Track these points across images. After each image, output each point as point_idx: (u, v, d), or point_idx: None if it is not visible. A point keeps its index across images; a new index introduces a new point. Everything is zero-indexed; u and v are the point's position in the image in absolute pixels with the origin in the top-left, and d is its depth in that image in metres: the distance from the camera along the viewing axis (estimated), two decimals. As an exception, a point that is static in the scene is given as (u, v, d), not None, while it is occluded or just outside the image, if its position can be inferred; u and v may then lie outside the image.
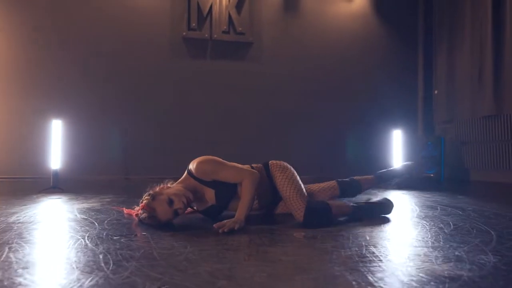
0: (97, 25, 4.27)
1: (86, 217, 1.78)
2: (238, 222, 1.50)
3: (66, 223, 1.64)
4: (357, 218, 1.75)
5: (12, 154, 3.93)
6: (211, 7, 4.51)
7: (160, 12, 4.44)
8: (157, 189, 1.63)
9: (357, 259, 1.10)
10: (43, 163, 3.53)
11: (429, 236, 1.42)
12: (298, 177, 1.79)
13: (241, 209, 1.57)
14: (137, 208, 1.66)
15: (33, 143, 3.87)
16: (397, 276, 0.96)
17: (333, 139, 4.74)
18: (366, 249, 1.21)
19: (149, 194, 1.59)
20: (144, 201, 1.58)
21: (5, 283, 0.88)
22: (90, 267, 1.00)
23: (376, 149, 4.62)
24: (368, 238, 1.38)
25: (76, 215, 1.84)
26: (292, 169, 1.82)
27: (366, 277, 0.94)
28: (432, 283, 0.91)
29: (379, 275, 0.96)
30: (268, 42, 4.71)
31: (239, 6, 4.60)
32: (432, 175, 4.44)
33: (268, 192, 1.80)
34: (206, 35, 4.51)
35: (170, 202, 1.55)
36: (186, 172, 1.72)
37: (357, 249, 1.22)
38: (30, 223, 1.62)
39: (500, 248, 1.23)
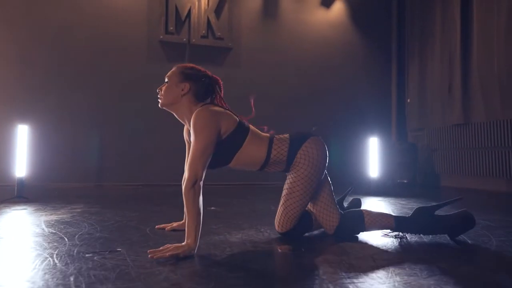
0: (69, 25, 4.09)
1: (54, 231, 1.66)
2: (184, 249, 1.22)
3: (32, 239, 1.52)
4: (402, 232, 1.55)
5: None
6: (189, 11, 4.44)
7: (137, 15, 4.32)
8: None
9: (342, 274, 1.08)
10: (8, 170, 3.31)
11: (410, 246, 1.43)
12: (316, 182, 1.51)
13: (187, 231, 1.27)
14: None
15: (-4, 149, 3.62)
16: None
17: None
18: (343, 263, 1.20)
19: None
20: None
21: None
22: (60, 291, 0.92)
23: (354, 156, 4.69)
24: (348, 250, 1.37)
25: (43, 229, 1.71)
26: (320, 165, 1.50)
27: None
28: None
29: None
30: (247, 48, 4.70)
31: (218, 11, 4.56)
32: (405, 181, 4.57)
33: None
34: (184, 39, 4.43)
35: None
36: None
37: (335, 263, 1.20)
38: (-9, 239, 1.49)
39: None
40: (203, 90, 1.54)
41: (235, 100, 4.66)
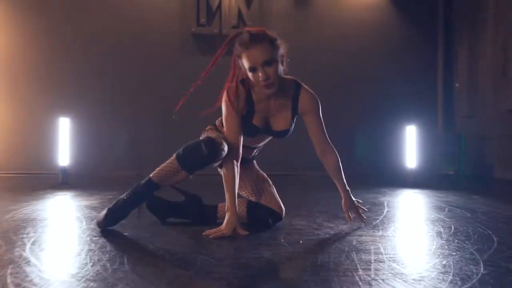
0: (107, 23, 4.35)
1: (79, 215, 1.81)
2: (224, 229, 1.35)
3: (58, 222, 1.67)
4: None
5: (25, 151, 4.11)
6: (220, 2, 4.47)
7: (170, 9, 4.46)
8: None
9: (332, 266, 1.04)
10: (54, 159, 3.66)
11: (423, 242, 1.32)
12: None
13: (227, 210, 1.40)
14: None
15: (44, 140, 4.01)
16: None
17: (346, 135, 4.60)
18: (347, 256, 1.14)
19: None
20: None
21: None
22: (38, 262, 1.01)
23: (389, 145, 4.43)
24: (354, 243, 1.31)
25: (72, 213, 1.87)
26: None
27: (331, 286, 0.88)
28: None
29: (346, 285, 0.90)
30: (278, 35, 4.61)
31: (249, 0, 4.53)
32: (451, 172, 4.22)
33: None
34: (215, 31, 4.48)
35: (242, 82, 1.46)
36: None
37: (336, 255, 1.15)
38: (23, 220, 1.66)
39: (496, 258, 1.12)
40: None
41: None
